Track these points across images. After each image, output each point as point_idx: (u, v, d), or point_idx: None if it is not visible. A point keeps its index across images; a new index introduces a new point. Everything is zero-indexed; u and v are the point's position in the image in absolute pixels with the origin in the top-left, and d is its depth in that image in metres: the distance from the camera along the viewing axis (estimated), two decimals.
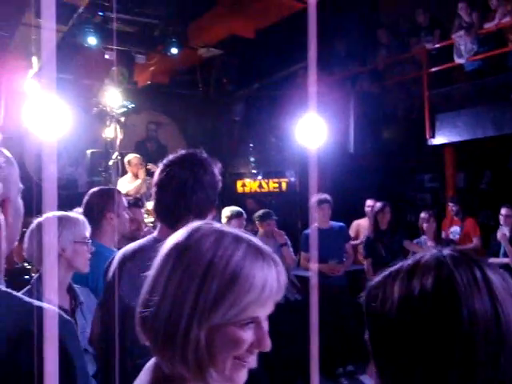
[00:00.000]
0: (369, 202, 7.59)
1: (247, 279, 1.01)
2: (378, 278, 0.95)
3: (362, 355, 6.91)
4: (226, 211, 5.77)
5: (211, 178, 1.96)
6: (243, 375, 1.06)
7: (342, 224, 6.83)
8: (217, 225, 1.10)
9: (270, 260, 1.06)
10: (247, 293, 1.01)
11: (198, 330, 0.99)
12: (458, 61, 8.48)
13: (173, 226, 1.92)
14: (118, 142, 8.35)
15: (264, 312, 1.05)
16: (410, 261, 0.93)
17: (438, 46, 8.94)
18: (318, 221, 6.44)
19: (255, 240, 1.07)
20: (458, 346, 0.82)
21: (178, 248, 1.06)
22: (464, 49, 8.41)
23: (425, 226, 7.06)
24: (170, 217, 1.96)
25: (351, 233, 7.54)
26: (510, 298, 0.85)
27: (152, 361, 1.11)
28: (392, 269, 0.93)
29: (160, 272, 1.05)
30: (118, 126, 8.38)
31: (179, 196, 1.93)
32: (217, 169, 2.01)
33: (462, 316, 0.82)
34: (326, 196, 6.47)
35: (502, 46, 8.20)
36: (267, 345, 1.05)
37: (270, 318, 1.10)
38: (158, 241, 1.93)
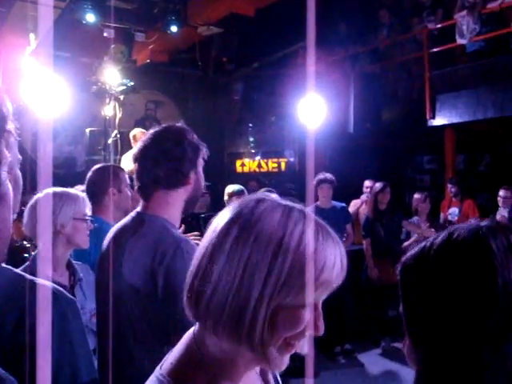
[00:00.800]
0: (367, 183, 7.58)
1: (320, 259, 0.96)
2: (414, 250, 0.97)
3: (359, 334, 6.98)
4: (229, 188, 5.82)
5: (182, 149, 1.92)
6: (287, 360, 1.01)
7: (343, 204, 6.84)
8: (274, 196, 1.04)
9: (336, 239, 1.02)
10: (320, 273, 0.96)
11: (267, 308, 0.94)
12: (460, 41, 8.41)
13: (147, 199, 1.95)
14: (116, 120, 8.31)
15: (326, 294, 1.01)
16: (444, 232, 0.93)
17: (439, 26, 8.86)
18: (319, 200, 6.46)
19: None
20: (492, 317, 0.82)
21: (241, 221, 0.98)
22: (466, 29, 8.33)
23: (419, 206, 7.07)
24: (142, 190, 1.96)
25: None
26: None
27: (184, 344, 1.05)
28: (427, 240, 0.95)
29: (219, 246, 0.97)
30: (117, 105, 8.33)
31: (145, 169, 1.93)
32: (194, 140, 1.97)
33: (498, 286, 0.82)
34: (327, 175, 6.46)
35: (505, 26, 8.13)
36: (322, 328, 1.01)
37: None
38: (141, 214, 1.95)
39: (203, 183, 2.04)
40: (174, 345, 1.07)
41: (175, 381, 0.99)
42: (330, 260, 0.97)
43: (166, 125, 2.00)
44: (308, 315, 0.97)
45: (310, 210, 1.04)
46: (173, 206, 1.95)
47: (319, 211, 6.39)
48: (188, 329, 1.06)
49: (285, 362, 1.00)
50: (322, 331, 1.00)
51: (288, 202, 1.02)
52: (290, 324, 0.96)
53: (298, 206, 1.02)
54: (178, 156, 1.91)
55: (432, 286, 0.88)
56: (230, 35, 9.71)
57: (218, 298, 0.95)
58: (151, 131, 1.98)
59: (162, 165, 1.91)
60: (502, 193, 6.77)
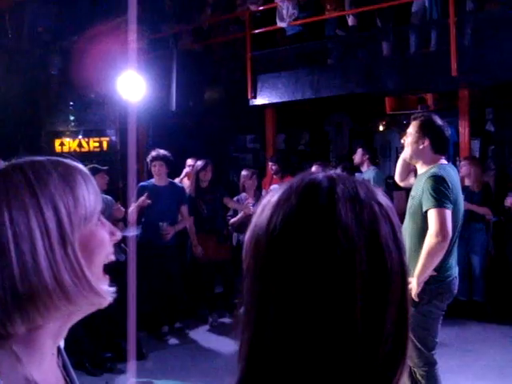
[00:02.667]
0: (189, 161, 7.58)
1: (76, 195, 0.99)
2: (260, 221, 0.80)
3: (187, 312, 7.00)
4: None
5: None
6: (109, 289, 1.03)
7: (181, 185, 6.79)
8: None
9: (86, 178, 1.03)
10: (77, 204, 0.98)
11: (72, 245, 0.95)
12: (280, 24, 8.68)
13: None
14: None
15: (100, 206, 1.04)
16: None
17: (262, 8, 9.07)
18: (154, 178, 6.38)
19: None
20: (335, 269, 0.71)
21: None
22: (286, 13, 8.61)
23: (246, 183, 7.24)
24: None
25: None
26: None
27: None
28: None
29: None
30: None
31: None
32: None
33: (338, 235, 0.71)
34: (160, 152, 6.34)
35: (321, 13, 8.54)
36: (118, 233, 1.06)
37: None
38: None
39: None
40: None
41: None
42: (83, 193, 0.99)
43: None
44: (103, 230, 1.02)
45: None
46: None
47: (154, 188, 6.29)
48: None
49: (109, 291, 1.02)
50: (119, 235, 1.05)
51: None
52: (99, 244, 1.00)
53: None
54: None
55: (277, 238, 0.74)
56: (47, 3, 9.08)
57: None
58: None
59: None
60: (314, 168, 7.12)
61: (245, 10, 9.16)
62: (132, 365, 4.15)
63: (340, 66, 8.31)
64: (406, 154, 3.73)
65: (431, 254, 3.36)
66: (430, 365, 3.56)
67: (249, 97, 8.75)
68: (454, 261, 3.60)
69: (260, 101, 8.79)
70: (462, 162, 6.95)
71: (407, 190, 8.00)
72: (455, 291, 3.62)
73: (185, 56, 8.56)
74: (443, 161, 3.63)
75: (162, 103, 8.23)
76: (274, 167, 8.02)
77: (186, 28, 9.70)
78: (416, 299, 3.42)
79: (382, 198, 0.77)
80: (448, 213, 3.37)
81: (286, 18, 8.65)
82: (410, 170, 3.89)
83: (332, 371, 0.70)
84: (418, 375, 3.57)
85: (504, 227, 6.80)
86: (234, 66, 9.19)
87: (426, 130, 3.59)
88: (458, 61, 6.92)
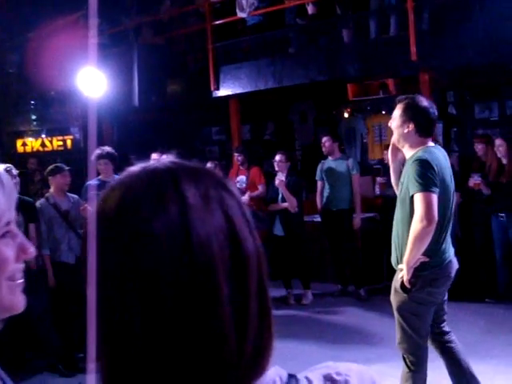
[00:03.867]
0: (154, 156, 7.52)
1: None
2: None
3: None
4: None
5: None
6: (22, 299, 0.96)
7: None
8: None
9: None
10: None
11: None
12: (240, 15, 8.65)
13: None
14: None
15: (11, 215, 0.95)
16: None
17: None
18: (102, 175, 6.23)
19: None
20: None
21: None
22: (246, 3, 8.58)
23: None
24: None
25: None
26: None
27: None
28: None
29: None
30: None
31: None
32: None
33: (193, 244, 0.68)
34: (105, 150, 6.23)
35: (280, 2, 8.54)
36: (31, 250, 0.96)
37: None
38: None
39: None
40: None
41: None
42: None
43: None
44: (8, 248, 0.93)
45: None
46: None
47: (102, 185, 6.18)
48: None
49: (21, 301, 0.97)
50: (32, 252, 0.96)
51: None
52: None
53: None
54: None
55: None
56: None
57: None
58: None
59: None
60: (277, 157, 7.15)
61: (204, 1, 9.10)
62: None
63: (301, 54, 8.34)
64: (394, 138, 3.66)
65: (417, 238, 3.29)
66: (421, 349, 3.53)
67: (212, 89, 8.72)
68: (447, 244, 3.52)
69: (223, 92, 8.77)
70: None
71: (373, 175, 8.13)
72: (452, 274, 3.54)
73: (146, 50, 8.47)
74: (430, 143, 3.56)
75: (124, 99, 8.15)
76: (239, 158, 8.03)
77: (146, 21, 9.60)
78: (407, 286, 3.36)
79: (230, 185, 0.76)
80: (434, 197, 3.31)
81: (246, 8, 8.62)
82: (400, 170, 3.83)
83: (202, 367, 0.68)
84: (408, 361, 3.54)
85: (469, 208, 6.93)
86: (196, 58, 9.14)
87: (410, 113, 3.50)
88: (417, 45, 7.00)
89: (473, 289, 6.67)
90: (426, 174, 3.32)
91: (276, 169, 7.16)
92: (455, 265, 3.58)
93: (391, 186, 3.98)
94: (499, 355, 5.08)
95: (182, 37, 9.51)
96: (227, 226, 0.70)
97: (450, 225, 3.58)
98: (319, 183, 7.55)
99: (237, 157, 8.08)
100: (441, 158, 3.51)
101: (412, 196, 3.36)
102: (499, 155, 6.47)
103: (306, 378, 0.76)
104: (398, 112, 3.55)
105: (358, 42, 7.92)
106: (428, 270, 3.39)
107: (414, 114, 3.49)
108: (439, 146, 3.77)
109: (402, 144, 3.57)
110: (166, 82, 8.64)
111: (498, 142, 6.49)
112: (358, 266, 7.33)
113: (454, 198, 3.61)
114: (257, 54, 8.76)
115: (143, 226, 0.67)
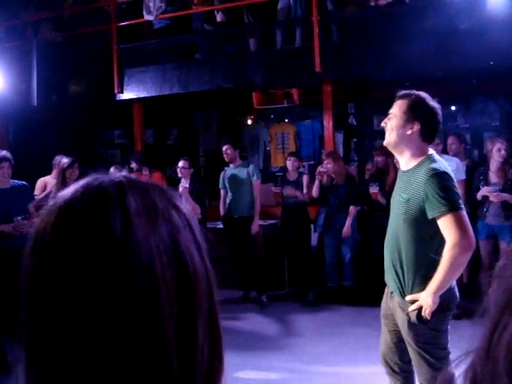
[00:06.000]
0: (58, 158, 7.23)
1: None
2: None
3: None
4: None
5: None
6: None
7: (23, 183, 6.36)
8: None
9: None
10: None
11: None
12: (147, 17, 8.52)
13: None
14: None
15: None
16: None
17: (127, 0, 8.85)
18: None
19: None
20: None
21: None
22: (153, 6, 8.46)
23: None
24: None
25: (37, 191, 7.13)
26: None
27: None
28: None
29: None
30: None
31: None
32: None
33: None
34: (6, 153, 5.91)
35: (188, 7, 8.49)
36: None
37: None
38: None
39: None
40: None
41: None
42: None
43: None
44: None
45: None
46: None
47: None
48: None
49: None
50: None
51: None
52: None
53: None
54: None
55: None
56: None
57: None
58: None
59: None
60: (180, 163, 7.09)
61: (110, 0, 8.87)
62: None
63: (208, 60, 8.33)
64: (387, 139, 3.07)
65: (455, 266, 2.84)
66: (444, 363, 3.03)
67: (115, 91, 8.51)
68: None
69: (127, 95, 8.59)
70: (325, 160, 7.20)
71: (274, 182, 8.24)
72: (458, 294, 3.14)
73: (46, 47, 8.09)
74: (431, 150, 3.06)
75: (22, 97, 7.75)
76: (133, 165, 7.79)
77: (46, 16, 9.20)
78: (428, 317, 2.90)
79: (179, 201, 0.73)
80: (466, 216, 2.87)
81: (153, 11, 8.50)
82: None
83: None
84: None
85: (368, 216, 7.20)
86: (100, 59, 8.87)
87: (417, 111, 2.97)
88: (321, 57, 7.22)
89: (372, 292, 6.93)
90: (451, 189, 2.87)
91: (179, 175, 7.09)
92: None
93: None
94: None
95: (86, 35, 9.20)
96: (172, 244, 0.68)
97: None
98: (222, 191, 7.56)
99: (131, 164, 7.84)
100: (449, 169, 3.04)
101: (436, 217, 2.86)
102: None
103: None
104: (399, 109, 3.00)
105: (264, 51, 8.04)
106: (442, 295, 2.94)
107: (421, 114, 2.97)
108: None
109: (402, 148, 3.06)
110: (67, 81, 8.31)
111: None
112: (260, 272, 7.39)
113: None
114: (163, 58, 8.65)
115: (81, 243, 0.64)
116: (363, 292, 6.93)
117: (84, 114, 9.25)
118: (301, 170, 7.82)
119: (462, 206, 2.87)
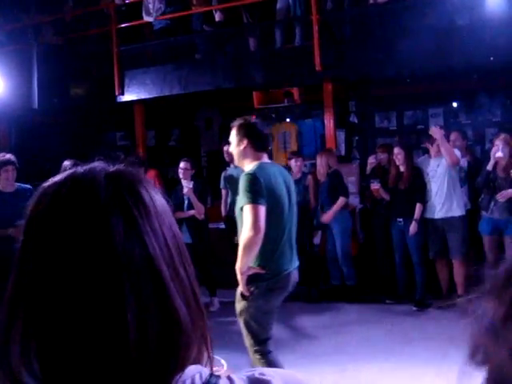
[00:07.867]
0: (66, 163, 7.23)
1: None
2: None
3: None
4: None
5: None
6: None
7: (28, 186, 6.37)
8: None
9: None
10: None
11: None
12: (147, 19, 8.53)
13: None
14: None
15: None
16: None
17: (127, 1, 8.85)
18: (1, 184, 5.87)
19: None
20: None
21: None
22: (152, 7, 8.47)
23: None
24: None
25: None
26: None
27: None
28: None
29: None
30: None
31: None
32: None
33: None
34: (10, 157, 5.93)
35: (187, 8, 8.49)
36: None
37: None
38: None
39: None
40: None
41: None
42: None
43: None
44: None
45: None
46: None
47: (2, 195, 5.85)
48: None
49: None
50: None
51: None
52: None
53: None
54: None
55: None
56: None
57: None
58: None
59: None
60: (182, 165, 7.08)
61: (109, 2, 8.89)
62: None
63: (208, 60, 8.33)
64: (235, 159, 3.90)
65: (246, 247, 3.45)
66: (263, 354, 3.66)
67: (116, 93, 8.51)
68: (284, 257, 3.71)
69: (128, 97, 8.60)
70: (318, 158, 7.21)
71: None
72: (289, 286, 3.73)
73: (47, 50, 8.11)
74: (265, 159, 3.76)
75: (23, 100, 7.76)
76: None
77: (47, 20, 9.21)
78: (245, 293, 3.54)
79: (150, 185, 0.81)
80: (261, 208, 3.46)
81: (152, 12, 8.51)
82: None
83: (105, 359, 0.71)
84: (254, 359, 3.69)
85: (370, 214, 7.19)
86: (101, 61, 8.88)
87: (244, 131, 3.72)
88: (321, 56, 7.20)
89: (375, 290, 6.93)
90: (253, 188, 3.48)
91: (181, 176, 7.08)
92: (294, 277, 3.78)
93: None
94: (401, 352, 5.27)
95: (86, 38, 9.22)
96: (145, 222, 0.76)
97: (292, 237, 3.78)
98: (223, 191, 7.56)
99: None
100: (272, 172, 3.68)
101: (242, 207, 3.52)
102: (398, 163, 6.75)
103: (229, 377, 0.80)
104: (233, 133, 3.77)
105: (264, 51, 8.03)
106: (264, 280, 3.57)
107: (246, 132, 3.71)
108: (273, 162, 4.09)
109: (242, 161, 3.78)
110: (68, 83, 8.33)
111: (396, 150, 6.77)
112: None
113: (293, 210, 3.80)
114: (163, 59, 8.66)
115: (66, 229, 0.73)
116: (367, 290, 6.93)
117: (85, 117, 9.26)
118: (303, 169, 7.82)
119: (259, 202, 3.45)
